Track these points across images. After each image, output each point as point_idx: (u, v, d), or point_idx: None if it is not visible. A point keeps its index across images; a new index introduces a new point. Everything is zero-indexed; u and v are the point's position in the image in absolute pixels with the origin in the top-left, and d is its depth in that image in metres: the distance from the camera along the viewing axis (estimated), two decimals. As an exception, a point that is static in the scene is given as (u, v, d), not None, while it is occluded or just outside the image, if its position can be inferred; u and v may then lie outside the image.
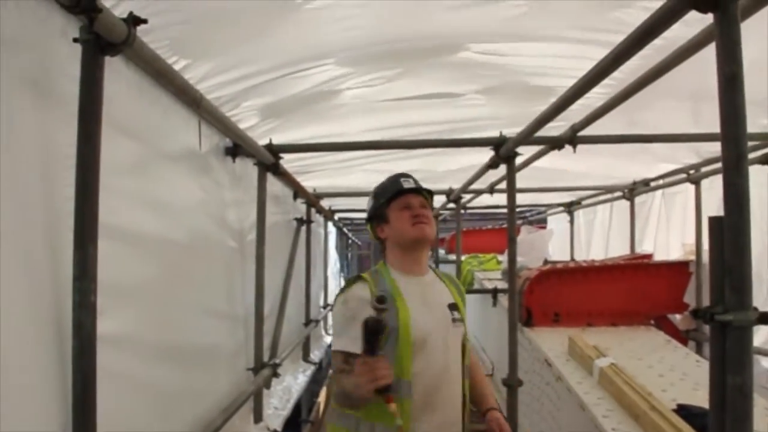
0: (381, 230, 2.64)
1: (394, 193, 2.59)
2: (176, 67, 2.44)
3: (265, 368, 3.96)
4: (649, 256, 6.49)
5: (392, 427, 2.19)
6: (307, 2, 2.35)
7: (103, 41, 1.65)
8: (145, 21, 1.72)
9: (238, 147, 3.55)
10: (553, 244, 9.29)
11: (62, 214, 1.69)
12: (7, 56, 1.53)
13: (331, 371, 2.20)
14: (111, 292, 1.96)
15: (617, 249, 7.73)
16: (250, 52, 2.79)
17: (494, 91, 3.72)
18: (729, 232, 1.45)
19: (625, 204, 7.28)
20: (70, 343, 1.66)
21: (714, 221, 1.49)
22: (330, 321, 9.06)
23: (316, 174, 6.01)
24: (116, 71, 2.02)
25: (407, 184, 2.60)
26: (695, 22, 1.79)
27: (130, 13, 1.71)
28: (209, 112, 2.68)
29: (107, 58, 1.73)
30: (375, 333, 2.08)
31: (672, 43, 2.40)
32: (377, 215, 2.65)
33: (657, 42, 2.17)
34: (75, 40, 1.67)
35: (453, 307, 2.53)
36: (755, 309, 1.43)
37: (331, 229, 11.10)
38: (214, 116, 2.79)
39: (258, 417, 4.03)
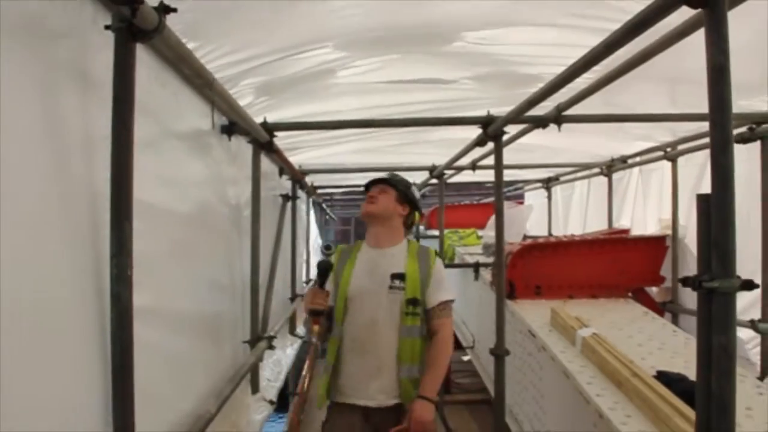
0: None
1: (366, 190, 3.43)
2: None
3: (261, 341, 4.08)
4: (627, 231, 6.68)
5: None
6: None
7: (136, 29, 1.75)
8: (174, 10, 1.83)
9: (233, 125, 3.63)
10: (531, 219, 9.47)
11: (102, 193, 1.80)
12: (52, 45, 1.64)
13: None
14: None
15: (595, 224, 7.91)
16: (252, 36, 2.90)
17: (484, 77, 3.86)
18: (715, 208, 1.60)
19: (602, 180, 7.46)
20: (108, 314, 1.79)
21: (702, 198, 1.64)
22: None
23: (302, 149, 6.10)
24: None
25: (377, 178, 3.43)
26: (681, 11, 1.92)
27: (161, 2, 1.82)
28: (219, 93, 2.79)
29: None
30: (323, 270, 3.15)
31: (656, 29, 2.54)
32: None
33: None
34: (107, 27, 1.77)
35: (396, 276, 3.15)
36: (738, 277, 1.58)
37: (312, 204, 11.19)
38: (222, 97, 2.90)
39: (255, 388, 4.17)
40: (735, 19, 2.64)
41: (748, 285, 1.58)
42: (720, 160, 1.59)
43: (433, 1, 2.79)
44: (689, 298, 5.47)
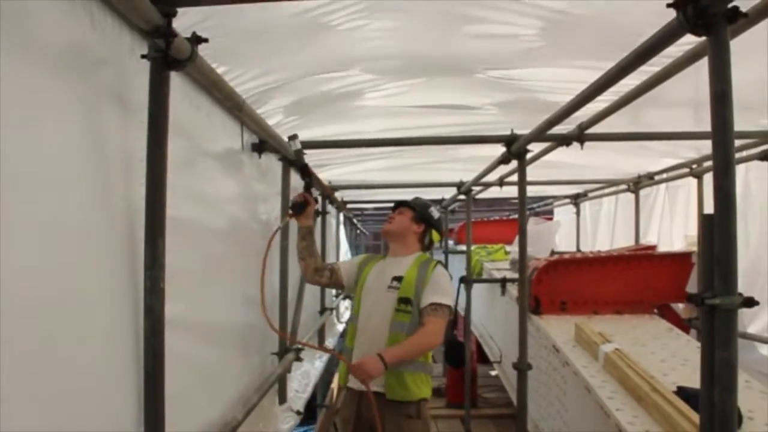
0: None
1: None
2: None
3: (289, 352, 4.18)
4: (653, 248, 6.67)
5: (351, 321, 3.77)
6: (340, 24, 2.60)
7: (170, 58, 1.88)
8: (206, 40, 1.96)
9: (263, 143, 3.76)
10: (560, 235, 9.46)
11: (138, 210, 1.93)
12: (93, 71, 1.77)
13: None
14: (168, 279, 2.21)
15: (622, 240, 7.88)
16: (282, 62, 3.03)
17: (506, 104, 3.98)
18: (718, 228, 1.67)
19: (630, 196, 7.46)
20: (142, 324, 1.91)
21: (705, 218, 1.72)
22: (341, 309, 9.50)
23: (331, 166, 6.24)
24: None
25: (399, 203, 3.92)
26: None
27: (193, 33, 1.95)
28: (249, 115, 2.92)
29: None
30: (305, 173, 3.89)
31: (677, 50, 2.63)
32: None
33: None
34: (143, 56, 1.90)
35: (395, 279, 3.60)
36: (740, 294, 1.65)
37: (341, 219, 11.30)
38: (252, 118, 3.02)
39: (282, 399, 4.26)
40: (755, 43, 2.72)
41: (749, 302, 1.65)
42: (722, 181, 1.67)
43: (457, 40, 2.91)
44: (715, 314, 5.47)
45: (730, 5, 1.63)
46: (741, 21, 1.71)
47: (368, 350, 3.42)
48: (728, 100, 1.65)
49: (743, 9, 1.69)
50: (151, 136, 1.88)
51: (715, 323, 1.66)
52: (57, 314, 1.54)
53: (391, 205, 3.98)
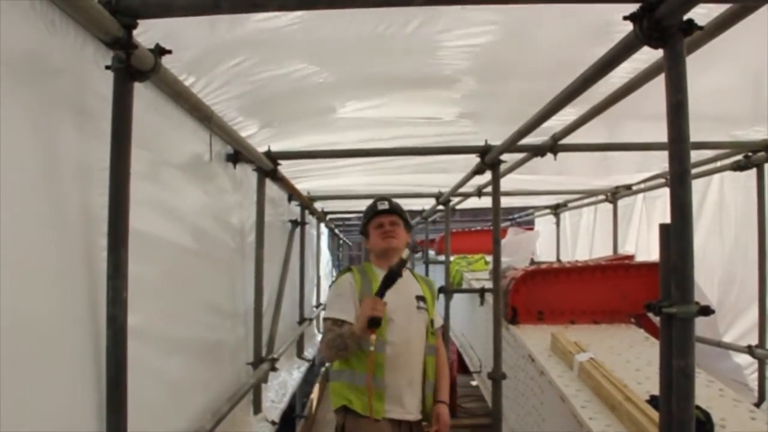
0: (366, 242, 3.65)
1: (371, 216, 3.56)
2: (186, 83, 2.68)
3: (263, 362, 4.17)
4: (631, 257, 6.70)
5: (364, 373, 3.12)
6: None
7: (133, 69, 1.88)
8: (169, 51, 1.97)
9: (238, 154, 3.76)
10: (541, 245, 9.48)
11: (97, 220, 1.93)
12: (54, 82, 1.77)
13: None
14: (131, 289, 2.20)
15: (601, 250, 7.92)
16: (255, 74, 3.03)
17: (480, 115, 3.98)
18: (675, 237, 1.68)
19: (608, 207, 7.52)
20: (104, 334, 1.90)
21: (663, 228, 1.73)
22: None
23: (310, 177, 6.24)
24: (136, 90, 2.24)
25: (382, 206, 3.56)
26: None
27: (157, 45, 1.95)
28: (219, 125, 2.92)
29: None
30: (390, 279, 3.06)
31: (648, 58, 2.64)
32: (364, 232, 3.63)
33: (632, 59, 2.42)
34: (107, 67, 1.90)
35: (419, 298, 3.44)
36: (696, 303, 1.66)
37: (324, 230, 11.29)
38: (223, 129, 3.03)
39: (257, 409, 4.25)
40: (728, 56, 2.76)
41: (705, 311, 1.66)
42: (678, 191, 1.68)
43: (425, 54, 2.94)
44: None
45: (685, 18, 1.65)
46: (698, 33, 1.73)
47: (407, 378, 3.30)
48: (684, 111, 1.67)
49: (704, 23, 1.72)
50: (114, 146, 1.88)
51: (673, 332, 1.68)
52: (12, 325, 1.53)
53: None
